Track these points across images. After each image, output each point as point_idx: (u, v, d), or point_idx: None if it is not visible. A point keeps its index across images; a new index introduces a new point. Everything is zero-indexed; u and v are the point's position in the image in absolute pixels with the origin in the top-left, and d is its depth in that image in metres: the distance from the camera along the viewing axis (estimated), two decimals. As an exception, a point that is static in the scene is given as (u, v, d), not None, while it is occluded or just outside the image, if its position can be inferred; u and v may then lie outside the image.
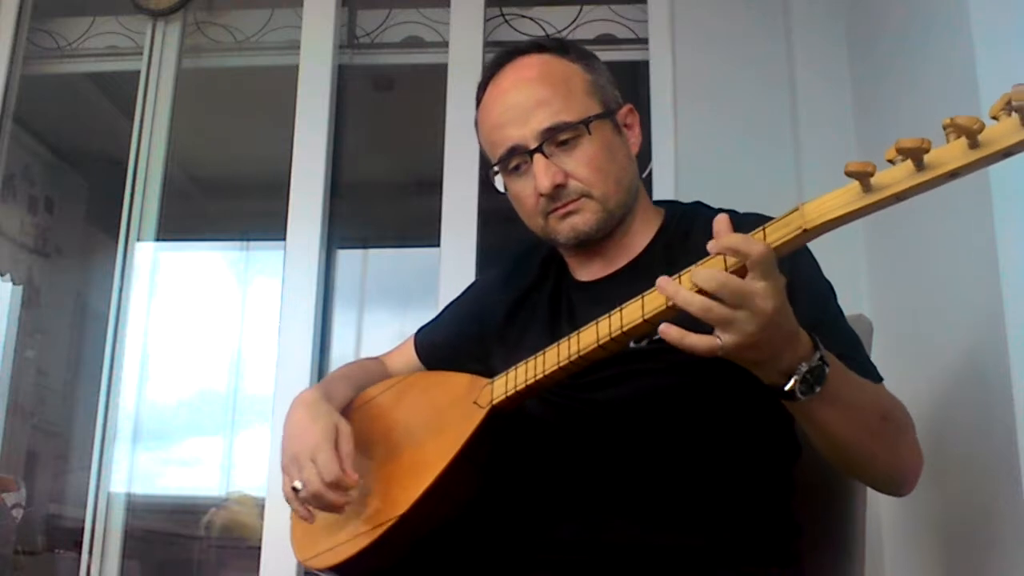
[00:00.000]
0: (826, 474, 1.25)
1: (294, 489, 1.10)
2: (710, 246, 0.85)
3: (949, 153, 0.73)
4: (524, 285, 1.30)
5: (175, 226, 2.81)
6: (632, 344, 1.10)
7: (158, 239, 2.70)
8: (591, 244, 1.22)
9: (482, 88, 1.25)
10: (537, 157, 1.15)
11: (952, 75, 1.52)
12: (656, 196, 2.23)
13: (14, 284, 3.26)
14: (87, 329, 3.41)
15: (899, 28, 1.87)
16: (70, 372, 3.44)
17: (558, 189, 1.16)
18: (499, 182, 1.23)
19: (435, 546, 1.08)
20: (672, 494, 1.09)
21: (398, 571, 1.11)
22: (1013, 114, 0.70)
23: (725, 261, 0.86)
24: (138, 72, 2.71)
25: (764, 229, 0.85)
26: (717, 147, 2.28)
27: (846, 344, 1.05)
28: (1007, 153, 0.71)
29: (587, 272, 1.25)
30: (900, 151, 0.75)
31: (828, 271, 1.17)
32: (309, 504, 1.11)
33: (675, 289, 0.86)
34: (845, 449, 0.99)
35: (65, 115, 3.29)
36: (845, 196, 0.80)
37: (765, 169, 2.22)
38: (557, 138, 1.16)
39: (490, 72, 1.25)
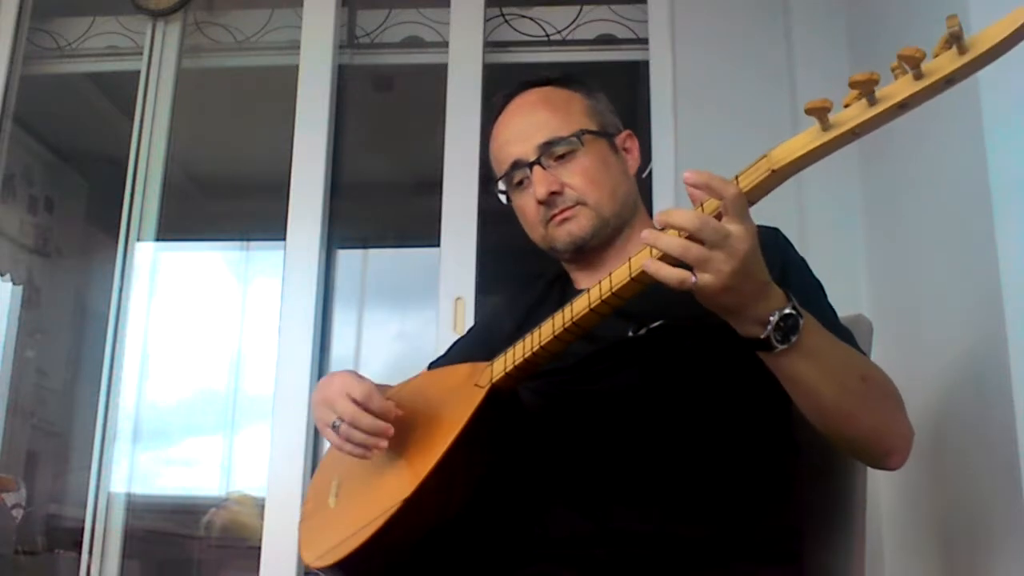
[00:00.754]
0: (825, 473, 1.26)
1: (333, 427, 1.12)
2: (686, 177, 0.90)
3: (897, 87, 0.82)
4: (531, 301, 1.35)
5: (175, 226, 2.81)
6: (631, 333, 1.14)
7: (158, 239, 2.71)
8: (589, 252, 1.27)
9: (494, 119, 1.35)
10: (536, 168, 1.24)
11: (952, 75, 1.51)
12: (656, 196, 2.26)
13: (14, 284, 3.26)
14: (87, 329, 3.41)
15: (899, 28, 1.87)
16: (70, 372, 3.44)
17: (554, 196, 1.23)
18: (504, 199, 1.32)
19: (439, 539, 1.08)
20: (671, 483, 1.09)
21: (401, 569, 1.10)
22: (953, 47, 0.78)
23: (702, 209, 0.91)
24: (138, 72, 2.71)
25: (737, 177, 0.90)
26: (717, 147, 2.27)
27: (837, 332, 1.05)
28: (949, 81, 0.79)
29: (589, 282, 1.26)
30: (852, 85, 0.83)
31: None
32: (350, 437, 1.11)
33: (655, 236, 0.90)
34: (825, 407, 1.00)
35: (65, 115, 3.29)
36: (806, 137, 0.88)
37: (765, 169, 2.22)
38: (554, 152, 1.25)
39: (501, 103, 1.34)
